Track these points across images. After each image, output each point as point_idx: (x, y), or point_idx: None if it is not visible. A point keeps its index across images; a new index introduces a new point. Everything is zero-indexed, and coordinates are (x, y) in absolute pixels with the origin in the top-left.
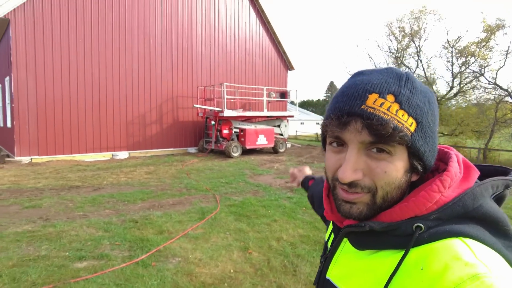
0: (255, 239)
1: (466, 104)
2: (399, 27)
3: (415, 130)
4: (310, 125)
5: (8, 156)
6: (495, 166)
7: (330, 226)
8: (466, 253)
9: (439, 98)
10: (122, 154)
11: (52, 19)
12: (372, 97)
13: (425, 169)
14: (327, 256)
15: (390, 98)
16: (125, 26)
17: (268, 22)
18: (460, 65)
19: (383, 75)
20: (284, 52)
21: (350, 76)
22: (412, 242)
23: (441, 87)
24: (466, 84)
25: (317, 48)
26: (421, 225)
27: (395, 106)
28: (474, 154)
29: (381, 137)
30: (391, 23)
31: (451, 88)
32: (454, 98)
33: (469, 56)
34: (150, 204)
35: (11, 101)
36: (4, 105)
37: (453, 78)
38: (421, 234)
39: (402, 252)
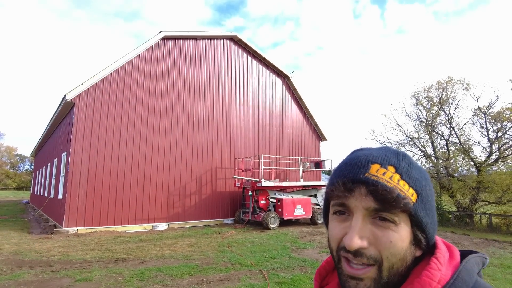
0: None
1: (509, 169)
2: (426, 97)
3: (416, 200)
4: None
5: (55, 226)
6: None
7: None
8: None
9: (478, 165)
10: (162, 226)
11: (109, 101)
12: (375, 167)
13: (428, 243)
14: None
15: (391, 169)
16: (172, 105)
17: (300, 98)
18: (496, 131)
19: (382, 150)
20: (316, 125)
21: (349, 153)
22: None
23: (479, 153)
24: (506, 149)
25: (348, 119)
26: None
27: (396, 176)
28: None
29: (386, 203)
30: (418, 93)
31: (490, 154)
32: (495, 164)
33: (505, 121)
34: (198, 279)
35: (66, 174)
36: (58, 177)
37: (491, 144)
38: None
39: None
